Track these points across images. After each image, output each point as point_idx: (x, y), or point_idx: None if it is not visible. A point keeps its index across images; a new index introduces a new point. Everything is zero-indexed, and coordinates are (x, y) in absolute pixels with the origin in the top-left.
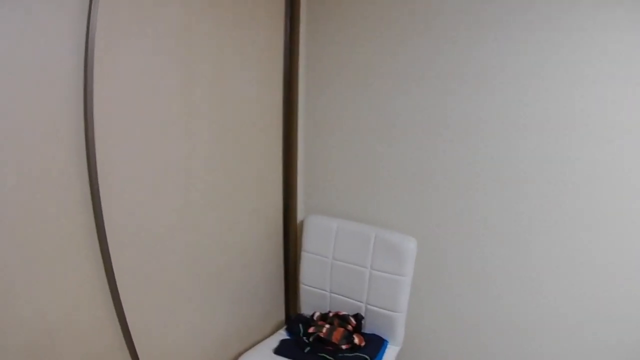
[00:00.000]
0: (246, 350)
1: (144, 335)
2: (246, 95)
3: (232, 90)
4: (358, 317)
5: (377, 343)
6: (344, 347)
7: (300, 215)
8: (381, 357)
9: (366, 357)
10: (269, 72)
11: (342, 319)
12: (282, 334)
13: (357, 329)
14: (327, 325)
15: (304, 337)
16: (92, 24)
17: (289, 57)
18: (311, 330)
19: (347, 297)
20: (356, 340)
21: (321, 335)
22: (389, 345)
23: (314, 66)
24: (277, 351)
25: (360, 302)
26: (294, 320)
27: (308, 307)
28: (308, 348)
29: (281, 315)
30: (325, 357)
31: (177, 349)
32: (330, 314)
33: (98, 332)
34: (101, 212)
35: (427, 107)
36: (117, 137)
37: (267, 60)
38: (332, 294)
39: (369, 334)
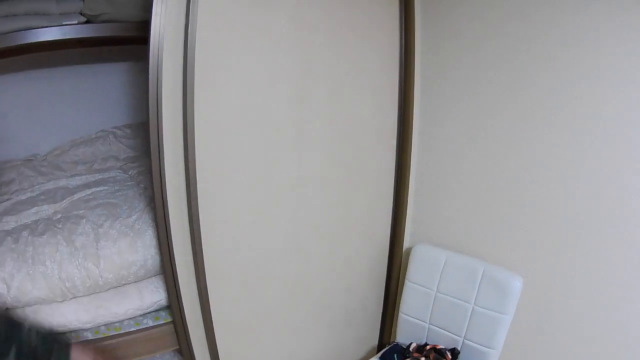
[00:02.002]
0: None
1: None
2: (360, 114)
3: (346, 108)
4: (455, 352)
5: None
6: None
7: (406, 242)
8: None
9: None
10: (383, 92)
11: (439, 353)
12: None
13: None
14: (423, 358)
15: None
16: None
17: (403, 78)
18: None
19: (446, 330)
20: None
21: None
22: None
23: (429, 90)
24: None
25: (459, 336)
26: (389, 349)
27: (404, 336)
28: None
29: (374, 341)
30: None
31: None
32: (427, 347)
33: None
34: (200, 233)
35: (548, 140)
36: (221, 155)
37: (382, 80)
38: (431, 326)
39: None
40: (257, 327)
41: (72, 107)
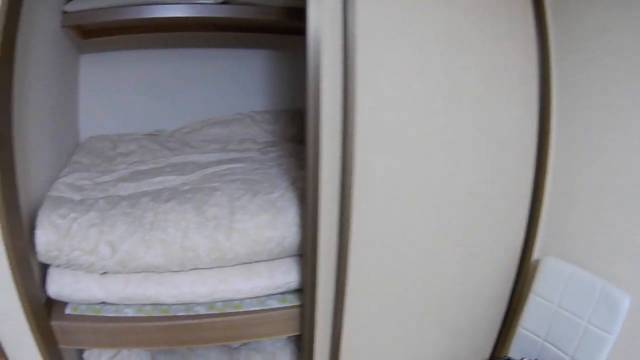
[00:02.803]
0: None
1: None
2: (500, 115)
3: (488, 110)
4: None
5: None
6: None
7: (536, 253)
8: None
9: None
10: (522, 92)
11: None
12: None
13: None
14: None
15: None
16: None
17: (542, 81)
18: None
19: (556, 347)
20: None
21: None
22: None
23: (569, 94)
24: None
25: (566, 354)
26: None
27: (517, 351)
28: None
29: (485, 354)
30: None
31: None
32: None
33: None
34: (350, 221)
35: None
36: (377, 149)
37: (521, 81)
38: (545, 342)
39: None
40: (383, 324)
41: (202, 89)
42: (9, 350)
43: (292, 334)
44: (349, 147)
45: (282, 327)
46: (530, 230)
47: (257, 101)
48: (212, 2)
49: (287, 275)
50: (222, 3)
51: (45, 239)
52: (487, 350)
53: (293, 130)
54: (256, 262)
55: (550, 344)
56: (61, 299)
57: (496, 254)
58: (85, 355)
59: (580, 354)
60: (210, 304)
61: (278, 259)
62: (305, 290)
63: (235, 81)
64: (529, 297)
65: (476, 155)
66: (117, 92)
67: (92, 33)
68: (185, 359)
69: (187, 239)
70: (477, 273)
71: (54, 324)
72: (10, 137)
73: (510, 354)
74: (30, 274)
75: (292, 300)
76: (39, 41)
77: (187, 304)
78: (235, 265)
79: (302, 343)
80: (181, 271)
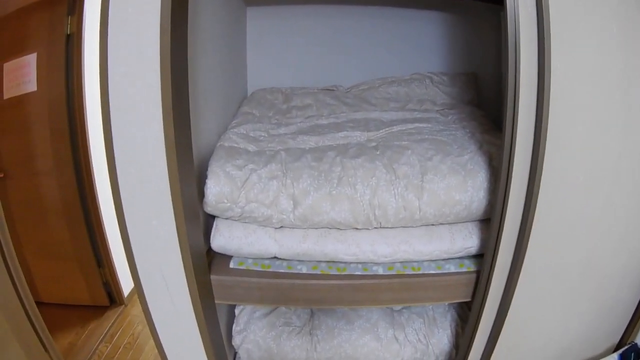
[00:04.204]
0: None
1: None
2: None
3: None
4: None
5: None
6: None
7: None
8: None
9: None
10: None
11: None
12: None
13: None
14: None
15: None
16: None
17: None
18: None
19: None
20: None
21: None
22: None
23: None
24: None
25: None
26: (628, 349)
27: None
28: None
29: (615, 339)
30: None
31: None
32: None
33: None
34: (538, 190)
35: None
36: (568, 122)
37: None
38: None
39: None
40: (547, 294)
41: (376, 47)
42: (151, 302)
43: (463, 300)
44: (544, 118)
45: (455, 292)
46: None
47: (431, 62)
48: None
49: (468, 240)
50: None
51: (218, 190)
52: (618, 335)
53: (470, 94)
54: (440, 224)
55: None
56: (225, 252)
57: None
58: (237, 309)
59: None
60: (390, 265)
61: (460, 222)
62: (486, 256)
63: (409, 41)
64: None
65: None
66: (286, 46)
67: None
68: (345, 317)
69: (376, 196)
70: (627, 254)
71: (214, 278)
72: (185, 82)
73: (637, 340)
74: (198, 225)
75: (469, 266)
76: None
77: (365, 263)
78: (420, 226)
79: (471, 309)
80: (363, 229)
